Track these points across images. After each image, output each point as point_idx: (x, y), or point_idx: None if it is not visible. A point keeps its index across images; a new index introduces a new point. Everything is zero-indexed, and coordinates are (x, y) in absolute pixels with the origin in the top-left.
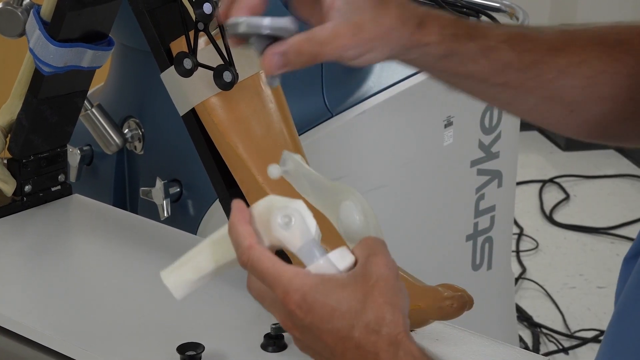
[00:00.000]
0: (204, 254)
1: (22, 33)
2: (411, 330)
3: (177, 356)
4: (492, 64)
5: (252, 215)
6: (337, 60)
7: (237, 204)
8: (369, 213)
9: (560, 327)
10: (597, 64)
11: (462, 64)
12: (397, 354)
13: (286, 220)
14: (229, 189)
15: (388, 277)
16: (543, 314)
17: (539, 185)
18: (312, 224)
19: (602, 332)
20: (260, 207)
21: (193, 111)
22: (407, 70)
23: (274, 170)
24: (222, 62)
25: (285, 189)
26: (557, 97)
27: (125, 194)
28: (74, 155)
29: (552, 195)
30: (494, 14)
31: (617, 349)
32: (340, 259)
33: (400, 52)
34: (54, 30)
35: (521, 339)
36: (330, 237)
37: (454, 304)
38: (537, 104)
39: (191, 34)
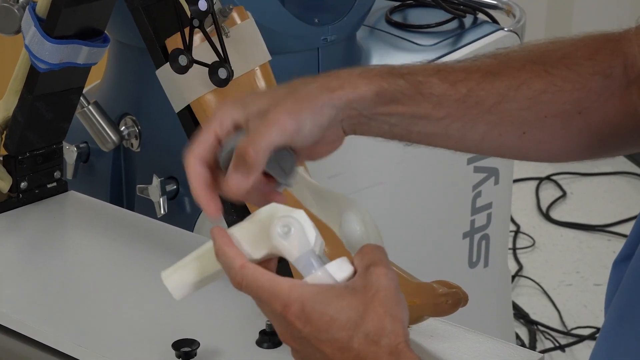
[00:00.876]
0: (206, 257)
1: (18, 30)
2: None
3: (172, 352)
4: (427, 99)
5: (254, 220)
6: (278, 143)
7: (216, 230)
8: (369, 224)
9: (556, 324)
10: (538, 83)
11: (398, 103)
12: None
13: (285, 229)
14: None
15: (388, 288)
16: (539, 311)
17: (535, 182)
18: (311, 234)
19: (598, 330)
20: (262, 213)
21: (188, 108)
22: None
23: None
24: (217, 59)
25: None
26: (505, 121)
27: (122, 192)
28: (70, 153)
29: (548, 193)
30: (491, 11)
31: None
32: (339, 270)
33: (335, 110)
34: (50, 27)
35: (518, 336)
36: (334, 247)
37: (449, 300)
38: (488, 131)
39: (186, 30)
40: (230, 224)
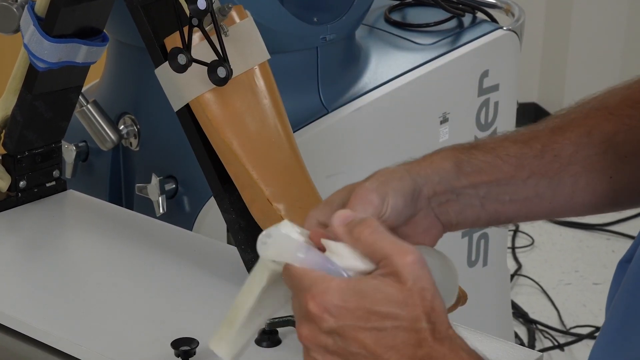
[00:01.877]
0: (248, 315)
1: (17, 29)
2: None
3: (172, 351)
4: (507, 161)
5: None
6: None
7: None
8: (447, 269)
9: (555, 323)
10: (607, 126)
11: (481, 172)
12: (453, 347)
13: (265, 238)
14: (223, 185)
15: (420, 278)
16: (538, 310)
17: None
18: (292, 231)
19: (597, 329)
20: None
21: (187, 107)
22: (403, 67)
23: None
24: (217, 58)
25: (280, 181)
26: (588, 168)
27: (121, 191)
28: (69, 152)
29: None
30: (490, 10)
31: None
32: (341, 254)
33: (418, 187)
34: (49, 26)
35: (517, 335)
36: None
37: None
38: (575, 183)
39: (185, 29)
40: (229, 222)
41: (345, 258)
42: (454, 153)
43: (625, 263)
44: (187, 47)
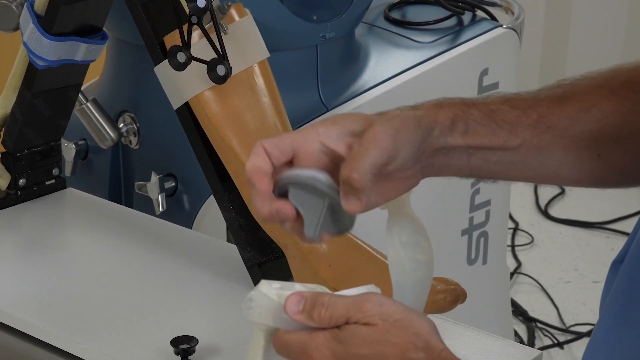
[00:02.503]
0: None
1: (17, 27)
2: None
3: (171, 349)
4: (501, 126)
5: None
6: (381, 160)
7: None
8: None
9: (555, 321)
10: (607, 105)
11: (475, 134)
12: None
13: (249, 304)
14: (222, 183)
15: (388, 314)
16: (538, 308)
17: None
18: (271, 290)
19: None
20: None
21: (187, 105)
22: (402, 65)
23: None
24: (216, 56)
25: None
26: (579, 144)
27: (121, 189)
28: (69, 150)
29: (547, 190)
30: (490, 8)
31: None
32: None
33: (421, 135)
34: (48, 24)
35: (516, 334)
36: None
37: (447, 297)
38: (564, 156)
39: (185, 27)
40: (228, 220)
41: None
42: (454, 109)
43: (617, 264)
44: (186, 45)
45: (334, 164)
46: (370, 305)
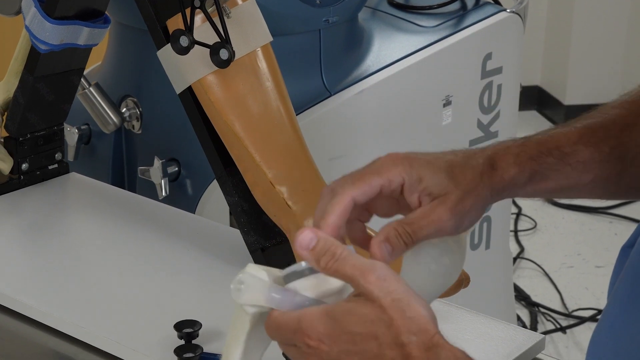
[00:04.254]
0: (228, 340)
1: (19, 11)
2: None
3: (174, 334)
4: (575, 168)
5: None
6: (434, 236)
7: None
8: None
9: (558, 306)
10: None
11: (548, 179)
12: (439, 357)
13: (238, 285)
14: (225, 168)
15: (389, 291)
16: (541, 293)
17: None
18: (262, 275)
19: (599, 311)
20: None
21: (190, 89)
22: (405, 50)
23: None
24: (219, 40)
25: (283, 163)
26: None
27: (124, 173)
28: (71, 135)
29: None
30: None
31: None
32: (311, 286)
33: (491, 199)
34: (50, 7)
35: (519, 318)
36: None
37: None
38: (631, 182)
39: (187, 11)
40: (231, 205)
41: (314, 289)
42: (531, 164)
43: (627, 248)
44: (189, 29)
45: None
46: (373, 278)
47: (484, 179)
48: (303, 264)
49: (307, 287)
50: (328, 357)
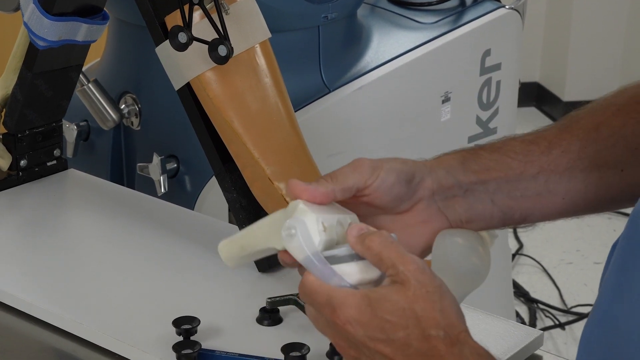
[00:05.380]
0: (248, 235)
1: (17, 7)
2: None
3: (173, 330)
4: (514, 158)
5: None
6: (350, 182)
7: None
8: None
9: (556, 302)
10: (614, 121)
11: (490, 169)
12: (462, 353)
13: (290, 232)
14: (224, 164)
15: (424, 283)
16: (540, 289)
17: None
18: (315, 237)
19: None
20: (289, 207)
21: (188, 86)
22: (404, 46)
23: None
24: (217, 36)
25: (281, 160)
26: (599, 162)
27: (123, 170)
28: (70, 131)
29: None
30: None
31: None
32: (347, 273)
33: (426, 174)
34: (49, 3)
35: (518, 314)
36: None
37: None
38: (587, 177)
39: (186, 7)
40: (230, 201)
41: (353, 274)
42: (460, 153)
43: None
44: (187, 25)
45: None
46: (414, 267)
47: (413, 160)
48: (344, 248)
49: (345, 271)
50: (353, 339)
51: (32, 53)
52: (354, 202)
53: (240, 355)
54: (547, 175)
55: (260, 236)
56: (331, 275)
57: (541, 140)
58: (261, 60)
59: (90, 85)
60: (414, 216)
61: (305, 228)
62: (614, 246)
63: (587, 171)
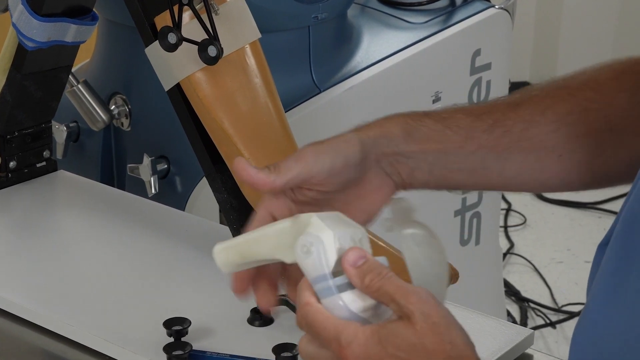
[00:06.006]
0: (250, 244)
1: (6, 8)
2: None
3: (164, 331)
4: (456, 132)
5: (296, 227)
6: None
7: None
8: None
9: (547, 301)
10: (562, 106)
11: (430, 140)
12: None
13: (306, 248)
14: (214, 164)
15: (429, 314)
16: (531, 288)
17: None
18: (332, 258)
19: None
20: (299, 219)
21: (178, 86)
22: (395, 46)
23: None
24: (207, 37)
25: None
26: (538, 145)
27: (113, 171)
28: (60, 132)
29: None
30: None
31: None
32: (354, 300)
33: (361, 149)
34: (37, 4)
35: (509, 314)
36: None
37: None
38: (524, 159)
39: (175, 8)
40: (221, 202)
41: (356, 302)
42: (404, 119)
43: (604, 246)
44: (177, 25)
45: None
46: (415, 299)
47: (350, 131)
48: (337, 279)
49: (348, 299)
50: None
51: (21, 54)
52: (303, 192)
53: (231, 356)
54: (484, 153)
55: (265, 246)
56: (337, 300)
57: (486, 116)
58: (251, 61)
59: (79, 86)
60: (364, 187)
61: (323, 247)
62: (601, 246)
63: (525, 153)
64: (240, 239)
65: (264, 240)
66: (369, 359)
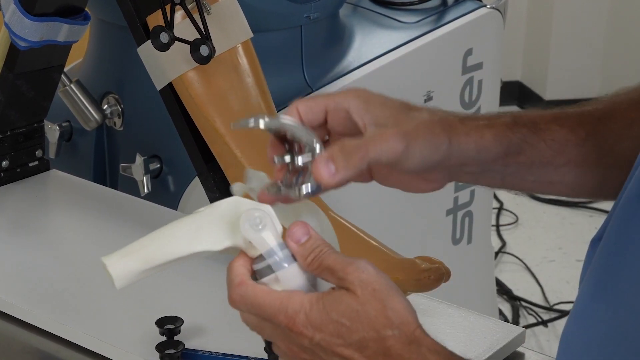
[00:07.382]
0: (156, 245)
1: None
2: None
3: (156, 330)
4: (549, 146)
5: (216, 214)
6: (383, 159)
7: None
8: (326, 228)
9: (539, 300)
10: None
11: (521, 152)
12: (420, 351)
13: (256, 222)
14: (207, 164)
15: (368, 282)
16: (522, 287)
17: None
18: (279, 229)
19: None
20: (223, 206)
21: (170, 85)
22: (386, 45)
23: (237, 188)
24: (199, 36)
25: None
26: (622, 161)
27: (105, 170)
28: (53, 132)
29: None
30: None
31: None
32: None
33: (448, 147)
34: (29, 4)
35: (501, 312)
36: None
37: (431, 275)
38: (607, 174)
39: (167, 7)
40: (212, 200)
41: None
42: (505, 131)
43: (596, 241)
44: (169, 25)
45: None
46: (352, 269)
47: (444, 125)
48: (280, 253)
49: (301, 268)
50: (309, 344)
51: (14, 53)
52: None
53: (223, 354)
54: (570, 168)
55: (180, 242)
56: (294, 269)
57: (580, 129)
58: (243, 60)
59: (72, 85)
60: (421, 179)
61: (271, 219)
62: (592, 243)
63: (609, 169)
64: (137, 245)
65: (176, 237)
66: (315, 325)
